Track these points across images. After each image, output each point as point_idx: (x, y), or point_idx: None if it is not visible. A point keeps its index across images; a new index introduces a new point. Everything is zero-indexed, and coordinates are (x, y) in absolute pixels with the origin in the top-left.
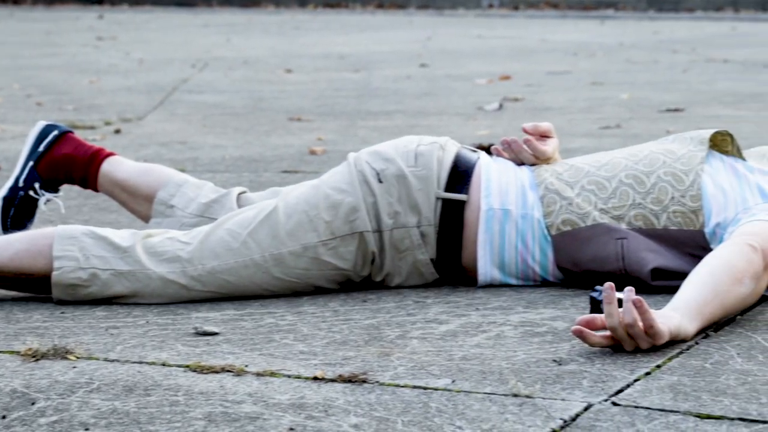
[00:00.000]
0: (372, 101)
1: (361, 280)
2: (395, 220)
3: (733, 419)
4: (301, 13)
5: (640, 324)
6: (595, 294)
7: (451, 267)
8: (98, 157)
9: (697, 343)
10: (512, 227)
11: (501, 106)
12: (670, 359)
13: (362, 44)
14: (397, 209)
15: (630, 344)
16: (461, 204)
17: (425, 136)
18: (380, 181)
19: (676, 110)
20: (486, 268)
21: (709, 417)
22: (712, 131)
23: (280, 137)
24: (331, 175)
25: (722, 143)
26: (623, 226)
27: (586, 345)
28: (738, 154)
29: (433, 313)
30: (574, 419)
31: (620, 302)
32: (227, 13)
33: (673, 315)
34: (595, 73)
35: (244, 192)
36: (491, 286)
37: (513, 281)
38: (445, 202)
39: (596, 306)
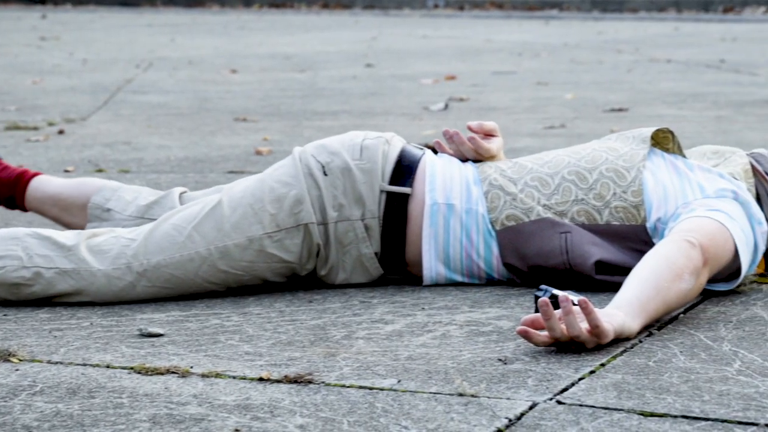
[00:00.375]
0: (318, 101)
1: (307, 275)
2: (340, 212)
3: (676, 417)
4: (246, 13)
5: (584, 329)
6: (539, 293)
7: (395, 262)
8: (25, 176)
9: (640, 342)
10: (457, 222)
11: (446, 106)
12: (614, 358)
13: (308, 44)
14: (341, 202)
15: (575, 344)
16: (405, 197)
17: (371, 132)
18: (325, 174)
19: (620, 110)
20: (431, 263)
21: (652, 415)
22: (654, 129)
23: (225, 137)
24: (275, 169)
25: (663, 141)
26: (566, 221)
27: (531, 344)
28: (679, 151)
29: (379, 313)
30: (519, 418)
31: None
32: (172, 13)
33: (617, 313)
34: (540, 73)
35: (185, 192)
36: (437, 285)
37: (458, 277)
38: (389, 195)
39: None
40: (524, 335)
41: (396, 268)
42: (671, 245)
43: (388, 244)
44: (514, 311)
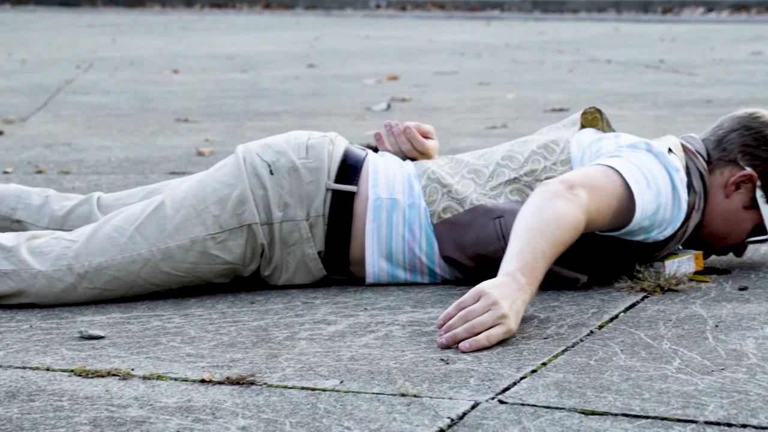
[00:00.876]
0: (260, 102)
1: (250, 277)
2: (285, 212)
3: (616, 415)
4: (187, 13)
5: (472, 329)
6: None
7: (339, 261)
8: None
9: (581, 341)
10: (400, 216)
11: (389, 106)
12: (555, 357)
13: (250, 44)
14: (287, 201)
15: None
16: (351, 195)
17: (314, 131)
18: (272, 173)
19: (561, 110)
20: (374, 258)
21: (593, 413)
22: (582, 111)
23: (167, 138)
24: (218, 169)
25: (593, 121)
26: (501, 200)
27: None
28: (609, 128)
29: (322, 313)
30: (461, 418)
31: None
32: (112, 13)
33: (505, 281)
34: (482, 74)
35: (101, 195)
36: (379, 285)
37: (401, 273)
38: (335, 193)
39: None
40: (452, 341)
41: (339, 268)
42: (538, 189)
43: (333, 243)
44: None
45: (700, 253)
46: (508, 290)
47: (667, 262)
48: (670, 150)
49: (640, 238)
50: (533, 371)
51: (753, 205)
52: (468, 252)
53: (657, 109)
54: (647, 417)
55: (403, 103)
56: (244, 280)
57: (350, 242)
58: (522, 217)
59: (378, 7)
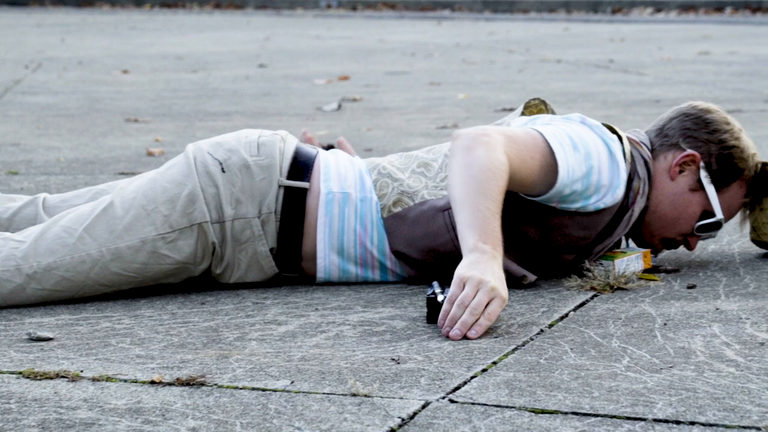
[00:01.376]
0: (210, 102)
1: (201, 276)
2: (237, 210)
3: (566, 413)
4: (137, 13)
5: (473, 318)
6: (429, 291)
7: (291, 258)
8: None
9: (532, 339)
10: (351, 210)
11: (340, 107)
12: (506, 356)
13: (200, 44)
14: (239, 199)
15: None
16: (303, 192)
17: (265, 130)
18: (223, 171)
19: (511, 109)
20: (325, 251)
21: (543, 412)
22: (525, 102)
23: (116, 139)
24: (168, 168)
25: (538, 113)
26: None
27: (424, 343)
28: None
29: (272, 314)
30: (412, 417)
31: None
32: (61, 13)
33: (474, 257)
34: (433, 74)
35: (46, 197)
36: (330, 285)
37: (352, 268)
38: (288, 190)
39: (433, 304)
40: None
41: (291, 265)
42: (454, 148)
43: (285, 239)
44: (407, 311)
45: (647, 251)
46: (483, 264)
47: (617, 261)
48: (615, 135)
49: (578, 205)
50: (484, 370)
51: (698, 187)
52: (418, 245)
53: (606, 109)
54: (597, 415)
55: (353, 103)
56: (194, 280)
57: (302, 238)
58: (454, 183)
59: (329, 7)
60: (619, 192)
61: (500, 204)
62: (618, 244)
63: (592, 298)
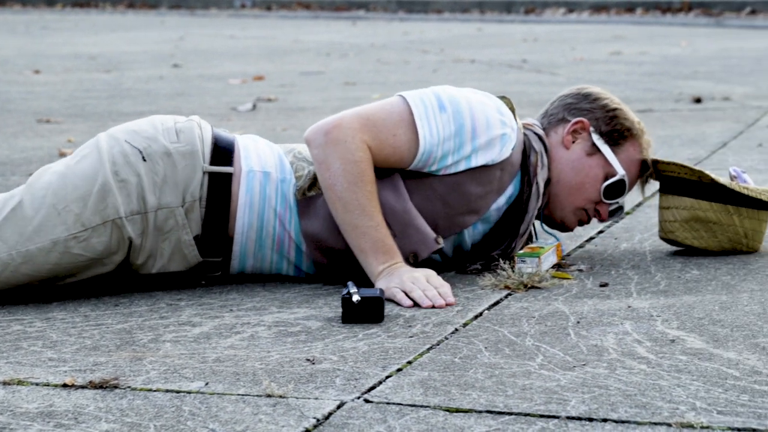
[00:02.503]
0: (124, 102)
1: (118, 272)
2: (160, 200)
3: (481, 412)
4: (49, 13)
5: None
6: (344, 291)
7: (215, 243)
8: None
9: (446, 339)
10: (273, 189)
11: (254, 107)
12: (420, 355)
13: (113, 44)
14: (162, 188)
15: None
16: (228, 177)
17: (177, 116)
18: (144, 160)
19: None
20: (243, 228)
21: (458, 411)
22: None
23: (28, 139)
24: (78, 161)
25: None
26: None
27: (339, 343)
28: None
29: (187, 315)
30: (327, 418)
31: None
32: None
33: (388, 270)
34: (348, 74)
35: None
36: (244, 277)
37: (267, 252)
38: (212, 176)
39: (348, 304)
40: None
41: (215, 249)
42: (317, 164)
43: (210, 225)
44: (322, 311)
45: (558, 243)
46: (398, 273)
47: (543, 256)
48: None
49: (462, 166)
50: (399, 370)
51: (594, 150)
52: (329, 229)
53: (520, 109)
54: (511, 413)
55: (269, 104)
56: (107, 280)
57: (228, 222)
58: (330, 204)
59: (243, 6)
60: (506, 149)
61: (376, 205)
62: (531, 238)
63: (506, 296)
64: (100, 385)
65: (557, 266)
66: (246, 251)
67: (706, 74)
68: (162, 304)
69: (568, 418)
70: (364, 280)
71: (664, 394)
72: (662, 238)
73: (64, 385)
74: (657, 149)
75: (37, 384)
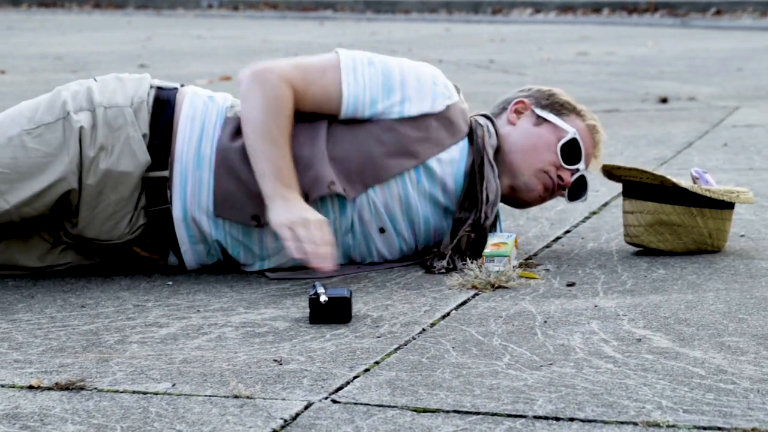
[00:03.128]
0: None
1: (75, 245)
2: (109, 100)
3: (448, 412)
4: (14, 13)
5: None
6: (311, 292)
7: (162, 151)
8: None
9: (414, 339)
10: (214, 110)
11: None
12: (388, 355)
13: (80, 44)
14: (112, 94)
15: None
16: (174, 91)
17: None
18: (95, 81)
19: None
20: (185, 140)
21: (425, 410)
22: None
23: None
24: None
25: None
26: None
27: (307, 344)
28: None
29: (154, 316)
30: (294, 418)
31: None
32: None
33: (279, 204)
34: None
35: None
36: (212, 283)
37: (204, 172)
38: (158, 90)
39: (315, 305)
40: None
41: (162, 158)
42: (242, 88)
43: (156, 127)
44: (289, 311)
45: (516, 236)
46: (291, 205)
47: (511, 255)
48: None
49: (387, 104)
50: (366, 370)
51: (540, 121)
52: (241, 149)
53: (487, 109)
54: (478, 413)
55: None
56: (72, 284)
57: (172, 134)
58: (244, 132)
59: (210, 6)
60: (439, 103)
61: (287, 139)
62: (495, 225)
63: (473, 296)
64: (67, 387)
65: (524, 266)
66: (186, 170)
67: (672, 74)
68: (129, 305)
69: (535, 417)
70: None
71: (631, 393)
72: (628, 243)
73: (30, 387)
74: (623, 149)
75: (2, 386)
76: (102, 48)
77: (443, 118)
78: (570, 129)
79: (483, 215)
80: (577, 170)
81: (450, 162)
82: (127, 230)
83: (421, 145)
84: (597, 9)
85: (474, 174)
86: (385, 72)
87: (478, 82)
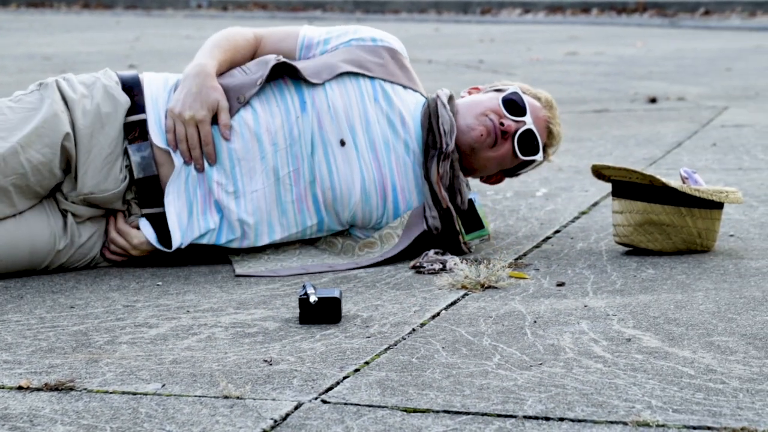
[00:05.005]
0: None
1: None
2: (78, 76)
3: (438, 412)
4: (2, 13)
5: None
6: (301, 292)
7: (134, 100)
8: None
9: (404, 339)
10: (174, 76)
11: None
12: (378, 355)
13: (68, 45)
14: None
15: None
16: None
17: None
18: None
19: None
20: (153, 88)
21: (415, 411)
22: None
23: None
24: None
25: None
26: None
27: (297, 344)
28: None
29: (143, 317)
30: (284, 419)
31: None
32: None
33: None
34: None
35: None
36: (202, 284)
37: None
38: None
39: (305, 305)
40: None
41: (135, 106)
42: None
43: (126, 87)
44: (279, 312)
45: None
46: (197, 82)
47: (489, 227)
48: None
49: (341, 40)
50: (356, 370)
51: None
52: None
53: None
54: (468, 413)
55: None
56: (62, 285)
57: (142, 89)
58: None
59: (199, 7)
60: (386, 41)
61: (228, 52)
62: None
63: (463, 296)
64: (56, 387)
65: (514, 266)
66: (159, 110)
67: (661, 74)
68: (118, 306)
69: (525, 417)
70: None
71: (620, 392)
72: (617, 242)
73: (20, 388)
74: (612, 149)
75: None
76: (90, 48)
77: (396, 56)
78: (513, 87)
79: (444, 143)
80: (523, 123)
81: (405, 102)
82: (121, 176)
83: (375, 66)
84: (586, 9)
85: (429, 114)
86: (339, 28)
87: (468, 82)
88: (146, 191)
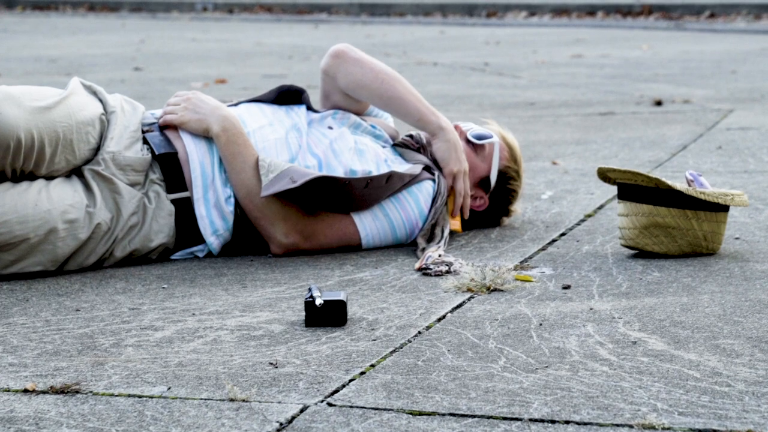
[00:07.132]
0: None
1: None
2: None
3: (444, 415)
4: (8, 15)
5: None
6: (307, 295)
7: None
8: None
9: (409, 342)
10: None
11: None
12: (384, 358)
13: (74, 47)
14: None
15: None
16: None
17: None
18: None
19: None
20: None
21: (421, 413)
22: None
23: None
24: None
25: None
26: None
27: (302, 347)
28: None
29: (149, 319)
30: (290, 422)
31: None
32: None
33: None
34: (310, 76)
35: None
36: (207, 287)
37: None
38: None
39: (311, 308)
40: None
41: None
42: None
43: None
44: (285, 315)
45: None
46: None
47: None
48: None
49: None
50: (362, 373)
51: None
52: None
53: (482, 111)
54: (474, 416)
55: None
56: (66, 288)
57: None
58: (379, 84)
59: (205, 9)
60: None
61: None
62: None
63: (468, 299)
64: (62, 390)
65: (519, 269)
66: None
67: (667, 77)
68: (124, 309)
69: (531, 420)
70: None
71: (626, 395)
72: (623, 245)
73: (25, 391)
74: (618, 152)
75: None
76: (96, 51)
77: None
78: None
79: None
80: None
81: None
82: (142, 153)
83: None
84: (591, 12)
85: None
86: None
87: (473, 84)
88: (169, 172)
